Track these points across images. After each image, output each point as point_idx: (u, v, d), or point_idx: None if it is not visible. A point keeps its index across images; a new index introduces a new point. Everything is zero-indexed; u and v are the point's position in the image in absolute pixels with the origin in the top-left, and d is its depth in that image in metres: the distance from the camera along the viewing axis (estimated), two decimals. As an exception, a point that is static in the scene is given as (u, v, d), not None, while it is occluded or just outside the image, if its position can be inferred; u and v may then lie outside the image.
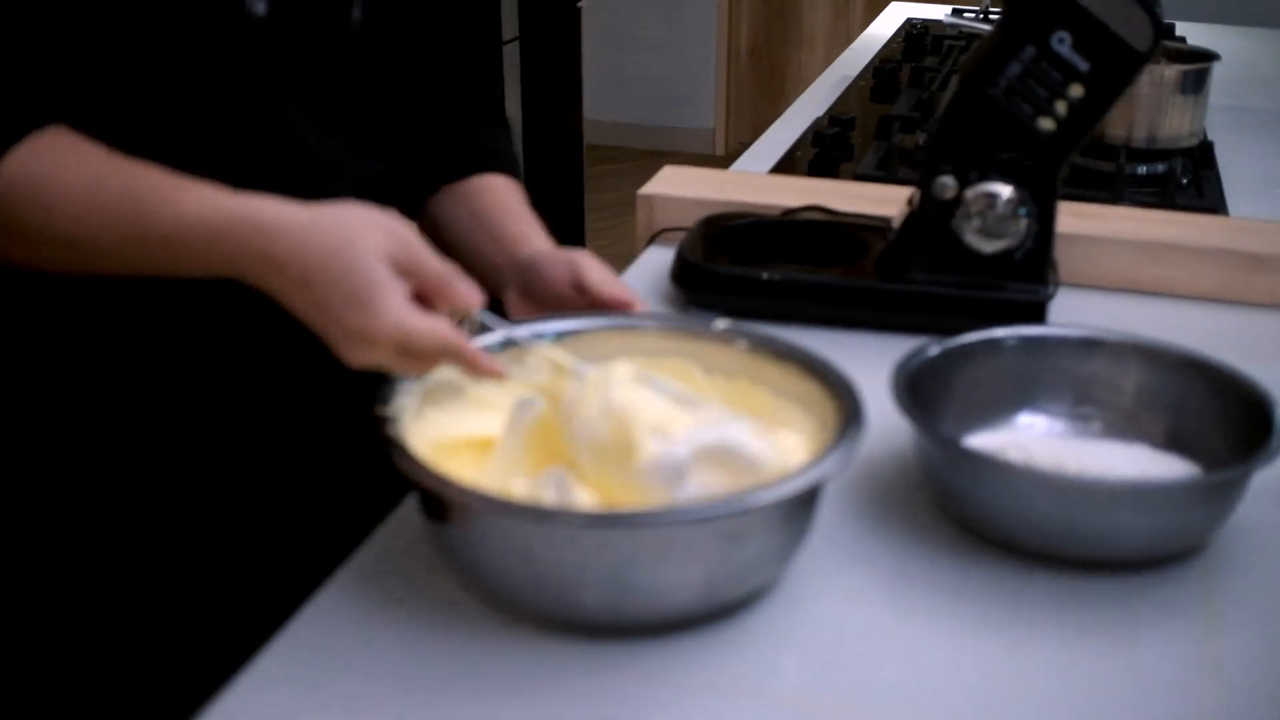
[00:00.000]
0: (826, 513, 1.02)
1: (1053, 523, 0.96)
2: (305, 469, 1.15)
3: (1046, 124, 1.30)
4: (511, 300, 1.17)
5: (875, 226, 1.49)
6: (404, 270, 0.87)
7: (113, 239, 0.91)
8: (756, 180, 1.72)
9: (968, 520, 1.02)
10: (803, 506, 0.91)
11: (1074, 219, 1.50)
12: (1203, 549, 1.02)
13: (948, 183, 1.34)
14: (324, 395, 1.12)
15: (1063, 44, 1.27)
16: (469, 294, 0.90)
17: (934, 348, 1.11)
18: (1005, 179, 1.33)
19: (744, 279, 1.40)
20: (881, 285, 1.38)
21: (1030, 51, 1.28)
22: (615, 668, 0.87)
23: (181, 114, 0.99)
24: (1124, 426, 1.13)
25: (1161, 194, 1.74)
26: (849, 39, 5.11)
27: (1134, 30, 1.25)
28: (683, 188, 1.63)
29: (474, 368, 0.90)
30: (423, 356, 0.88)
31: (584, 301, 1.10)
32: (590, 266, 1.11)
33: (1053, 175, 1.32)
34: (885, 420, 1.03)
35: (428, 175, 1.26)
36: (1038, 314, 1.34)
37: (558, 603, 0.87)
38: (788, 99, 5.52)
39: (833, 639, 0.91)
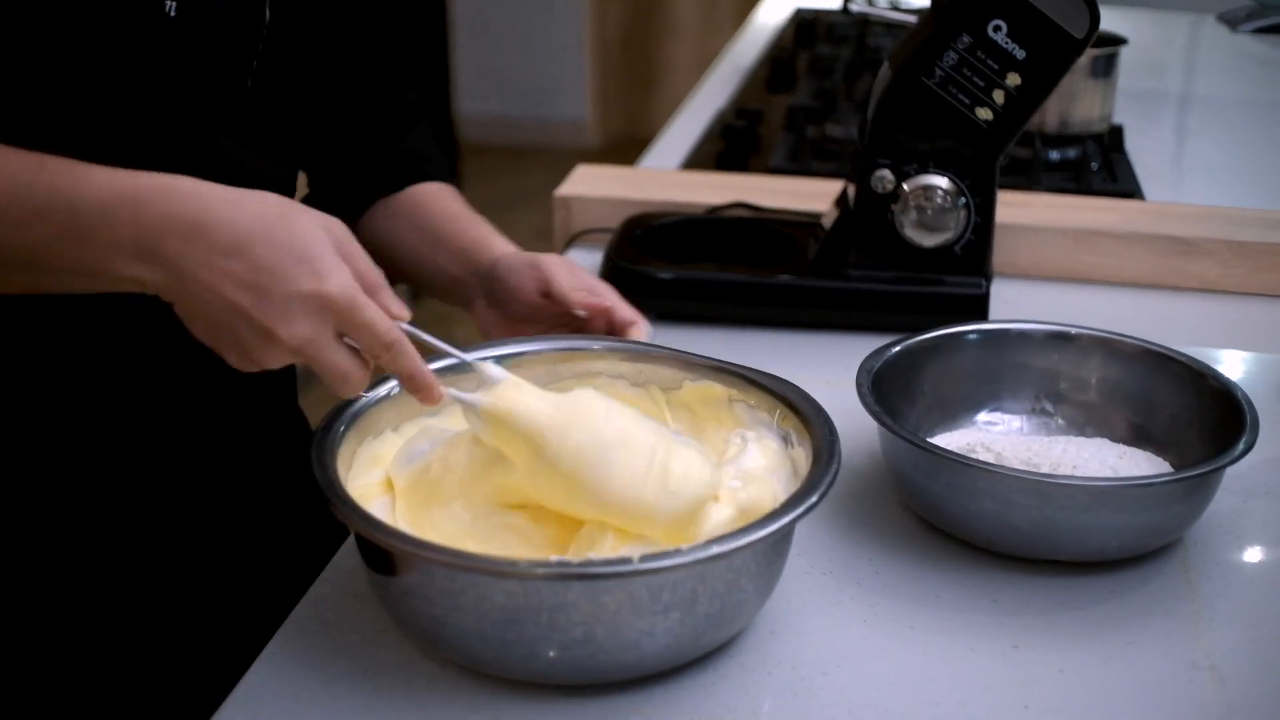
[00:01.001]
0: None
1: (1034, 525, 0.94)
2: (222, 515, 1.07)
3: (984, 114, 1.27)
4: (480, 311, 1.10)
5: (805, 223, 1.46)
6: (343, 257, 0.80)
7: (14, 212, 0.80)
8: (673, 178, 1.68)
9: (944, 524, 0.99)
10: (782, 543, 0.87)
11: (1002, 208, 1.47)
12: (1179, 543, 1.00)
13: (885, 176, 1.31)
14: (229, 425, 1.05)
15: (999, 32, 1.24)
16: (399, 305, 0.83)
17: (895, 346, 1.08)
18: (943, 171, 1.30)
19: (678, 282, 1.36)
20: (819, 283, 1.35)
21: (966, 40, 1.25)
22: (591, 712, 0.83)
23: (93, 118, 0.92)
24: (1084, 421, 1.11)
25: (1076, 179, 1.73)
26: (720, 29, 5.10)
27: (1070, 17, 1.23)
28: (599, 187, 1.58)
29: (417, 379, 0.83)
30: (367, 344, 0.80)
31: (556, 310, 1.04)
32: (557, 269, 1.05)
33: (991, 165, 1.30)
34: (844, 420, 0.99)
35: (358, 188, 1.19)
36: (979, 308, 1.32)
37: (517, 659, 0.81)
38: (660, 90, 5.50)
39: (814, 659, 0.88)
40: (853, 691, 0.85)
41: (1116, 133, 1.86)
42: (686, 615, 0.81)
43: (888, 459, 1.03)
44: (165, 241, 0.78)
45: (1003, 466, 0.96)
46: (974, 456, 1.01)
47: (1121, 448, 1.05)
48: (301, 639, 0.88)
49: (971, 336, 1.11)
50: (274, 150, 1.05)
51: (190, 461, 1.03)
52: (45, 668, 0.98)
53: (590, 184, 1.59)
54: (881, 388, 1.03)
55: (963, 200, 1.30)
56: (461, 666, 0.84)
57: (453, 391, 0.86)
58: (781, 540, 0.86)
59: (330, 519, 0.83)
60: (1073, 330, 1.11)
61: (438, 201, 1.18)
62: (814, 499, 0.83)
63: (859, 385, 1.01)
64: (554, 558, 0.82)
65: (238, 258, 0.77)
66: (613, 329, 1.04)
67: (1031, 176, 1.70)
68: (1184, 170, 1.92)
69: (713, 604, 0.81)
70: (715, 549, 0.78)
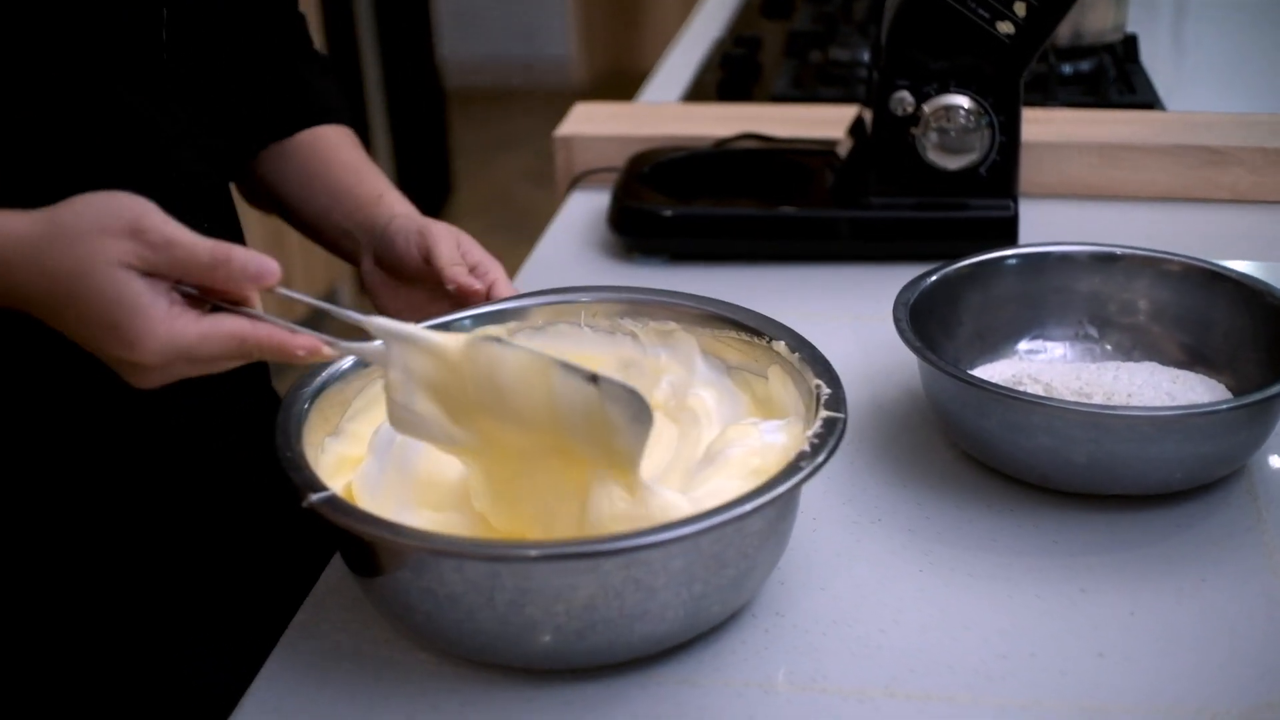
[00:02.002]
0: (836, 466, 0.93)
1: (1094, 460, 0.88)
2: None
3: (1005, 28, 1.21)
4: (366, 269, 1.04)
5: (818, 151, 1.40)
6: (159, 270, 0.71)
7: None
8: (676, 111, 1.62)
9: (996, 463, 0.94)
10: (789, 505, 0.81)
11: (1023, 126, 1.41)
12: (1242, 470, 0.95)
13: (904, 98, 1.24)
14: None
15: (1018, -61, 1.18)
16: (257, 271, 0.73)
17: (930, 276, 1.02)
18: (964, 89, 1.24)
19: (690, 219, 1.30)
20: (840, 214, 1.29)
21: (984, -51, 1.18)
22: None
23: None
24: (1131, 345, 1.05)
25: (1093, 92, 1.67)
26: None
27: (1093, -81, 1.17)
28: (600, 125, 1.52)
29: (289, 357, 0.75)
30: (219, 367, 0.74)
31: (437, 279, 0.98)
32: (441, 241, 0.98)
33: (1015, 82, 1.24)
34: (878, 357, 0.95)
35: (250, 130, 1.11)
36: (1008, 231, 1.26)
37: (513, 645, 0.76)
38: (645, 22, 5.41)
39: (871, 615, 0.82)
40: (914, 648, 0.80)
41: (1130, 42, 1.79)
42: (681, 592, 0.75)
43: (931, 396, 0.98)
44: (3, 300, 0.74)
45: (1058, 400, 0.90)
46: (1023, 389, 0.95)
47: (1174, 371, 1.00)
48: (303, 644, 0.83)
49: (1011, 262, 1.06)
50: (195, 109, 0.98)
51: (178, 462, 0.97)
52: (38, 675, 0.92)
53: (590, 122, 1.53)
54: (918, 320, 0.97)
55: (986, 119, 1.24)
56: (459, 657, 0.79)
57: (351, 344, 0.79)
58: (784, 507, 0.80)
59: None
60: (1118, 250, 1.05)
61: (333, 149, 1.10)
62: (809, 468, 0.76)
63: (896, 320, 0.96)
64: (525, 541, 0.77)
65: (59, 320, 0.73)
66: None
67: (1047, 92, 1.64)
68: (1201, 78, 1.85)
69: (711, 579, 0.76)
70: (706, 522, 0.72)
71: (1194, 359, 1.02)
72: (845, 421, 0.80)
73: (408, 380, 0.78)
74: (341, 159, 1.10)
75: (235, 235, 1.02)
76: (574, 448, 0.78)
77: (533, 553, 0.71)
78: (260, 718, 0.77)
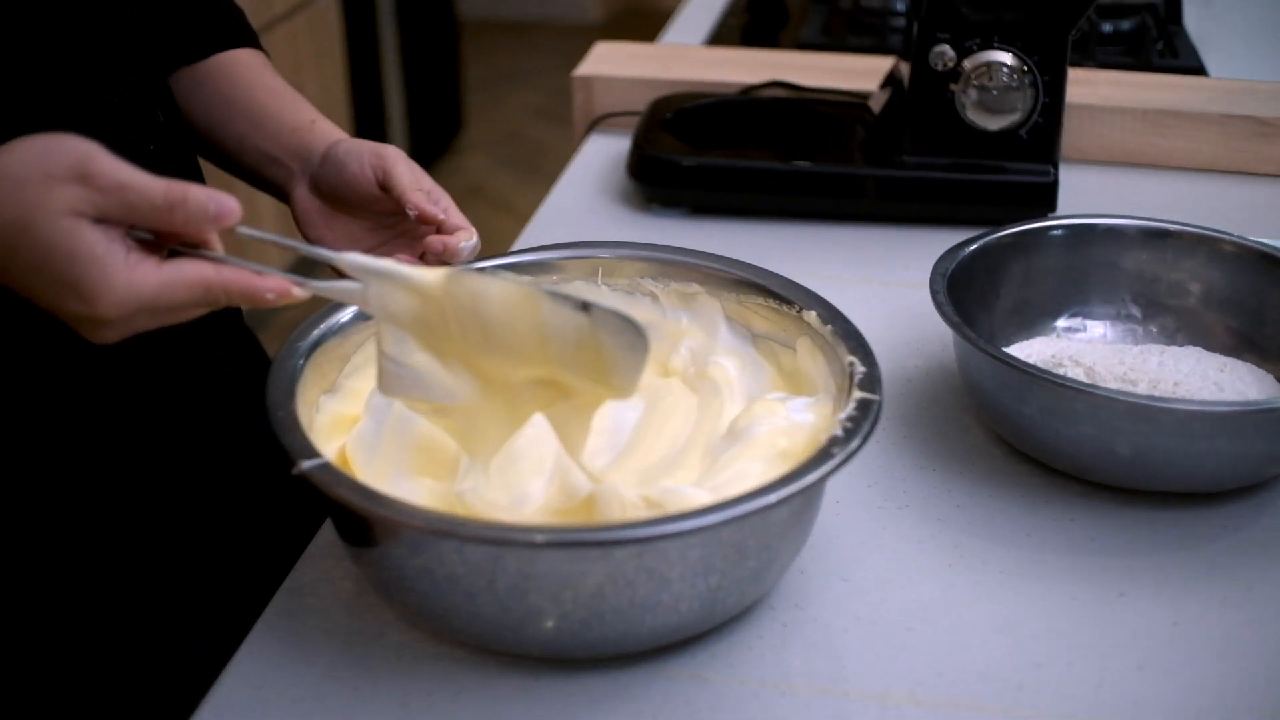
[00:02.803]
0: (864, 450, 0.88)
1: (1139, 453, 0.83)
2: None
3: (1056, -19, 1.14)
4: (300, 197, 0.97)
5: (850, 103, 1.33)
6: (111, 215, 0.65)
7: None
8: (700, 54, 1.55)
9: (1033, 450, 0.88)
10: (816, 494, 0.75)
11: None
12: (1293, 470, 0.89)
13: (944, 51, 1.18)
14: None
15: (1075, -113, 1.11)
16: (216, 211, 0.66)
17: (970, 245, 0.96)
18: (1009, 46, 1.17)
19: (714, 170, 1.23)
20: (870, 172, 1.22)
21: (1038, -103, 1.11)
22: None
23: None
24: (1175, 328, 0.99)
25: (1133, 53, 1.60)
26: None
27: None
28: (622, 66, 1.45)
29: (258, 301, 0.69)
30: (184, 315, 0.68)
31: (389, 206, 0.92)
32: (399, 163, 0.92)
33: (1063, 40, 1.17)
34: (908, 328, 0.89)
35: (161, 56, 1.03)
36: (1047, 198, 1.20)
37: (514, 632, 0.70)
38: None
39: (897, 611, 0.77)
40: (942, 650, 0.74)
41: (1175, 3, 1.72)
42: (698, 584, 0.69)
43: (966, 375, 0.92)
44: None
45: (1104, 388, 0.84)
46: (1064, 372, 0.89)
47: (1220, 359, 0.94)
48: (289, 616, 0.78)
49: (1056, 233, 0.99)
50: (122, 40, 0.91)
51: (151, 417, 0.91)
52: (17, 641, 0.87)
53: (611, 63, 1.46)
54: (954, 292, 0.91)
55: (1030, 79, 1.18)
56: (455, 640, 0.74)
57: (324, 283, 0.72)
58: (811, 496, 0.74)
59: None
60: (1171, 226, 0.99)
61: (251, 73, 1.03)
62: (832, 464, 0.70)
63: (934, 292, 0.90)
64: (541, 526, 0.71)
65: (8, 277, 0.67)
66: (440, 236, 0.91)
67: (1085, 51, 1.57)
68: (1246, 44, 1.78)
69: (730, 571, 0.70)
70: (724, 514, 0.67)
71: (1242, 345, 0.97)
72: (880, 405, 0.74)
73: (398, 332, 0.72)
74: (264, 83, 1.03)
75: (193, 174, 0.96)
76: (570, 383, 0.73)
77: (539, 538, 0.65)
78: (241, 694, 0.72)
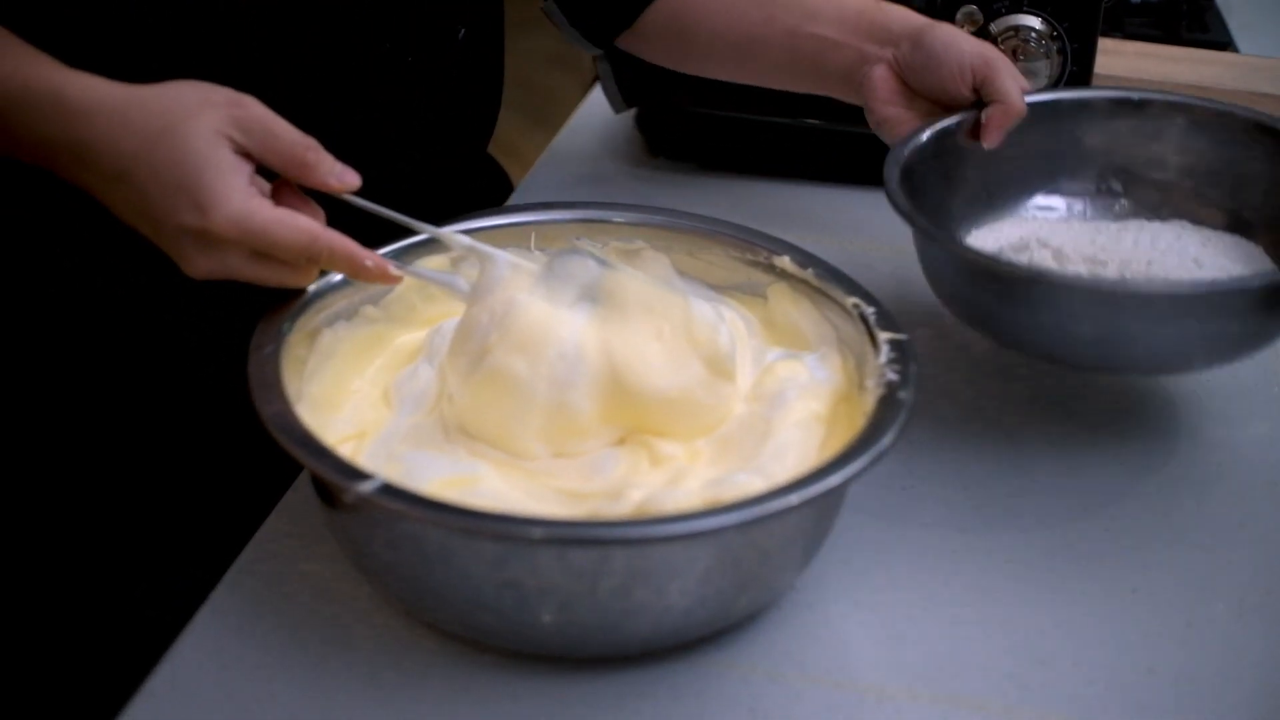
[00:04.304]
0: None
1: (1103, 337, 0.79)
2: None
3: (1091, -56, 1.09)
4: (879, 79, 0.93)
5: (869, 62, 1.28)
6: (252, 150, 0.69)
7: None
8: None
9: (997, 337, 0.85)
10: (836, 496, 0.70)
11: (1092, 56, 1.30)
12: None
13: (971, 11, 1.13)
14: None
15: None
16: (342, 171, 0.70)
17: (925, 131, 0.91)
18: (1038, 10, 1.12)
19: (723, 124, 1.19)
20: (887, 134, 1.17)
21: None
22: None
23: None
24: (1158, 202, 0.95)
25: (1162, 25, 1.54)
26: None
27: None
28: (634, 12, 1.39)
29: (357, 269, 0.71)
30: (284, 258, 0.69)
31: (966, 107, 0.90)
32: (1003, 74, 0.89)
33: (1095, 7, 1.12)
34: (923, 293, 0.85)
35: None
36: (1069, 170, 1.15)
37: (511, 625, 0.66)
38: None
39: (897, 601, 0.73)
40: (944, 643, 0.71)
41: (1207, -25, 1.67)
42: (709, 584, 0.65)
43: (924, 267, 0.87)
44: (59, 159, 0.71)
45: (1055, 273, 0.81)
46: (1028, 257, 0.86)
47: (1204, 232, 0.90)
48: (253, 577, 0.73)
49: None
50: None
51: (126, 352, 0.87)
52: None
53: (623, 8, 1.40)
54: (916, 180, 0.87)
55: (1059, 45, 1.13)
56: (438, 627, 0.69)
57: (424, 272, 0.76)
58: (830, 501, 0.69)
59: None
60: (1143, 95, 0.95)
61: None
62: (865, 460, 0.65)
63: (887, 180, 0.85)
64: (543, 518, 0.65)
65: (123, 184, 0.69)
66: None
67: (1114, 21, 1.52)
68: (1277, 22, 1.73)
69: (747, 572, 0.66)
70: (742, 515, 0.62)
71: (1230, 220, 0.92)
72: (912, 344, 0.71)
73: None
74: None
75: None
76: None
77: (536, 533, 0.60)
78: (198, 656, 0.68)
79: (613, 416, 0.71)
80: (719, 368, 0.72)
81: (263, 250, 0.68)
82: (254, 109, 0.69)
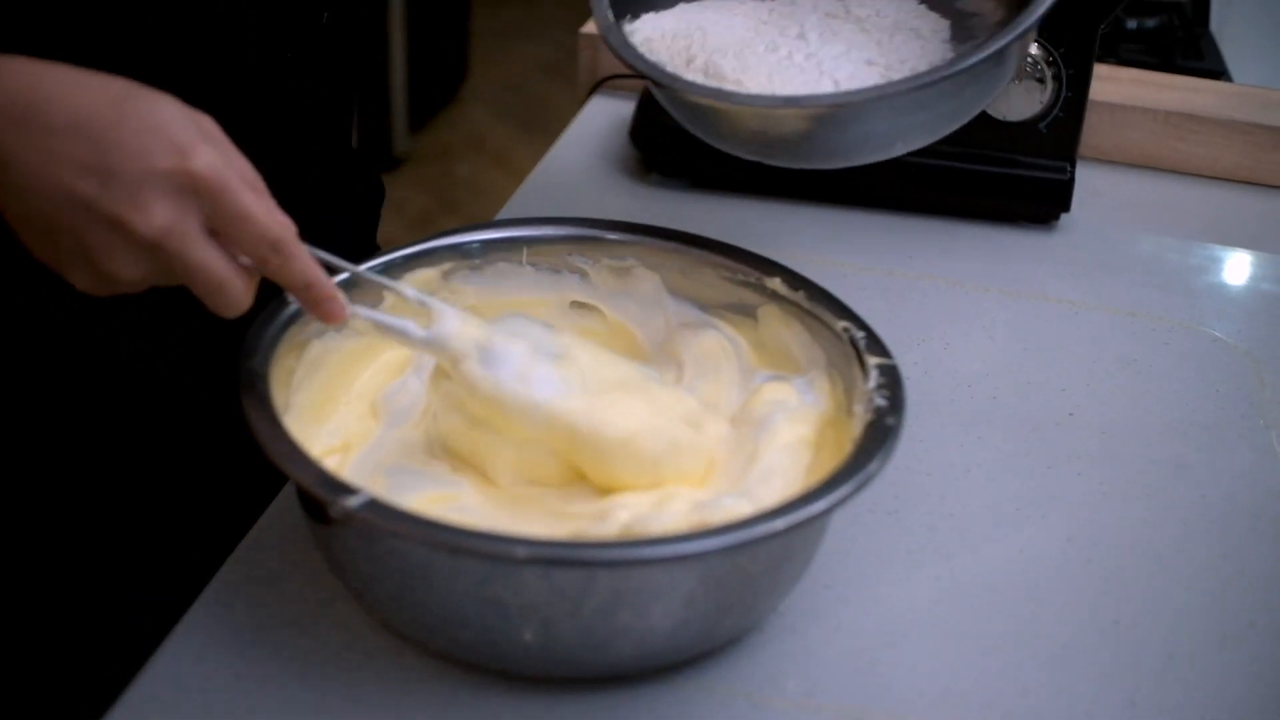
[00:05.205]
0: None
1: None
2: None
3: (1089, -29, 1.10)
4: None
5: (864, 83, 1.28)
6: (219, 185, 0.62)
7: None
8: (712, 20, 1.49)
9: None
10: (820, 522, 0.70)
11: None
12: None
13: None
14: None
15: None
16: (284, 217, 0.64)
17: None
18: (1036, 35, 1.12)
19: (718, 142, 1.18)
20: (881, 155, 1.17)
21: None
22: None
23: None
24: None
25: (1156, 52, 1.55)
26: None
27: None
28: (631, 26, 1.39)
29: (315, 295, 0.66)
30: (245, 244, 0.63)
31: None
32: None
33: (1092, 33, 1.12)
34: (913, 315, 0.85)
35: None
36: (1061, 197, 1.16)
37: (493, 644, 0.65)
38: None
39: (874, 622, 0.73)
40: (924, 669, 0.71)
41: (1202, 4, 1.67)
42: (693, 607, 0.65)
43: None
44: None
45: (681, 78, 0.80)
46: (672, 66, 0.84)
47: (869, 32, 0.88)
48: (234, 590, 0.73)
49: None
50: None
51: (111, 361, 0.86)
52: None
53: (620, 22, 1.40)
54: None
55: (1054, 70, 1.13)
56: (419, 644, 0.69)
57: (374, 315, 0.71)
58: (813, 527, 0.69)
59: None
60: None
61: None
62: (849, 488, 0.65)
63: None
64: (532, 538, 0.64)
65: (77, 136, 0.61)
66: None
67: (1107, 46, 1.52)
68: (1275, 51, 1.74)
69: (731, 595, 0.66)
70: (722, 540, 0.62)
71: None
72: (900, 370, 0.71)
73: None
74: None
75: None
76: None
77: (520, 552, 0.60)
78: (178, 667, 0.67)
79: (584, 468, 0.71)
80: (688, 418, 0.72)
81: (231, 218, 0.62)
82: (213, 123, 0.65)
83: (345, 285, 0.73)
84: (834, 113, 0.79)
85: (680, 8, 0.92)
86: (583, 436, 0.68)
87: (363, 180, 1.05)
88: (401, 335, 0.70)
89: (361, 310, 0.70)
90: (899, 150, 0.84)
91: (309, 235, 0.67)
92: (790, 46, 0.86)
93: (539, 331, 0.73)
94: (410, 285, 0.74)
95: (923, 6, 0.92)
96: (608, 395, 0.70)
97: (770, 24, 0.88)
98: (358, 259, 0.75)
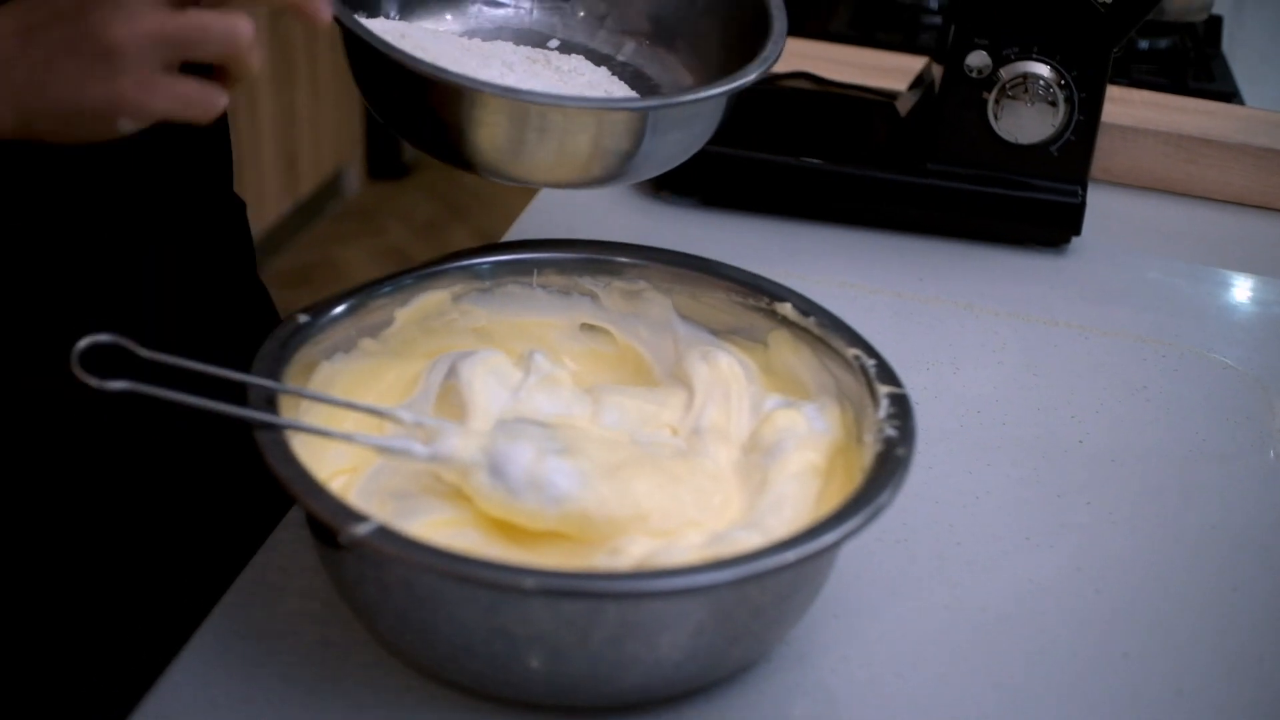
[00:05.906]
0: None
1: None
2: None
3: (1104, -7, 1.10)
4: None
5: (876, 102, 1.28)
6: None
7: None
8: (724, 36, 1.49)
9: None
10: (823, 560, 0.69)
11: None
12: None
13: (981, 58, 1.13)
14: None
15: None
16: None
17: None
18: (1048, 58, 1.12)
19: (727, 161, 1.18)
20: (891, 176, 1.17)
21: (1091, -96, 1.07)
22: None
23: None
24: (605, 13, 0.96)
25: (1168, 74, 1.54)
26: None
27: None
28: (642, 41, 1.39)
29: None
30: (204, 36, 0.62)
31: None
32: None
33: (1105, 57, 1.12)
34: (921, 338, 0.84)
35: None
36: (1072, 220, 1.15)
37: (500, 672, 0.65)
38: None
39: (883, 651, 0.73)
40: (931, 700, 0.70)
41: (1214, 25, 1.67)
42: (701, 638, 0.64)
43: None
44: None
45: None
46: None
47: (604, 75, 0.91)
48: (243, 612, 0.73)
49: None
50: None
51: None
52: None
53: (631, 37, 1.40)
54: None
55: (1066, 94, 1.13)
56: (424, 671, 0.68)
57: (375, 439, 0.70)
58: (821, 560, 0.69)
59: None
60: None
61: None
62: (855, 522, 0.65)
63: None
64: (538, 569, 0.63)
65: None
66: None
67: (1119, 68, 1.52)
68: (1285, 74, 1.74)
69: (740, 626, 0.66)
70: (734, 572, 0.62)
71: (665, 33, 0.95)
72: (911, 400, 0.70)
73: None
74: None
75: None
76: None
77: (529, 583, 0.59)
78: (186, 690, 0.67)
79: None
80: (699, 489, 0.72)
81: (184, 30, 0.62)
82: None
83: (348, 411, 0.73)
84: (548, 114, 0.78)
85: (387, 21, 0.92)
86: (599, 527, 0.68)
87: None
88: (405, 455, 0.69)
89: (360, 437, 0.69)
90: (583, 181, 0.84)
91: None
92: (498, 73, 0.86)
93: (537, 430, 0.71)
94: (406, 410, 0.73)
95: (614, 76, 0.92)
96: (619, 476, 0.69)
97: (471, 53, 0.88)
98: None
